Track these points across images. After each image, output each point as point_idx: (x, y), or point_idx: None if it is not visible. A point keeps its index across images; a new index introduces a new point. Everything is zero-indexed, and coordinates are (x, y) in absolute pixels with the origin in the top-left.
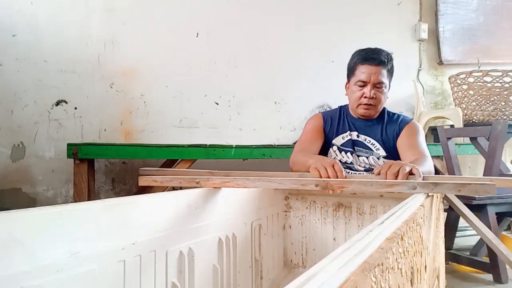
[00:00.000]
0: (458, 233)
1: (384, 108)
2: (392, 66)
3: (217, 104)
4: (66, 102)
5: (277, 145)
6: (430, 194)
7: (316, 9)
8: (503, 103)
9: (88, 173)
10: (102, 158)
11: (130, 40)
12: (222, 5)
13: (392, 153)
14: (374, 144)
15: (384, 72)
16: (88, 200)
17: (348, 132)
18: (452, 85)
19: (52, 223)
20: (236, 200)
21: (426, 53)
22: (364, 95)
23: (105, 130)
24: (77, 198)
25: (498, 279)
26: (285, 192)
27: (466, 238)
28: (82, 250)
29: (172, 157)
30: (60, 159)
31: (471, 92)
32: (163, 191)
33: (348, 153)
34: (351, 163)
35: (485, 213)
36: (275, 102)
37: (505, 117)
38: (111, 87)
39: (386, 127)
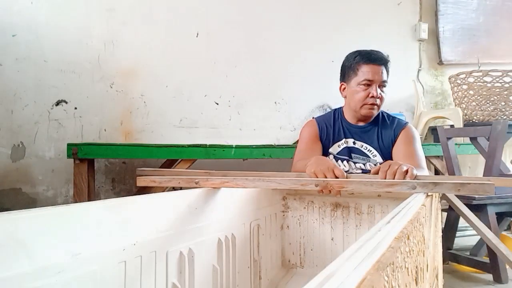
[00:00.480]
0: (458, 233)
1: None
2: (389, 68)
3: (217, 104)
4: (66, 102)
5: (277, 145)
6: (429, 194)
7: (316, 9)
8: (503, 103)
9: (88, 173)
10: (102, 158)
11: (130, 40)
12: (222, 5)
13: (389, 159)
14: (371, 151)
15: (386, 72)
16: (88, 200)
17: (344, 139)
18: (452, 85)
19: (53, 224)
20: (235, 201)
21: (426, 53)
22: (371, 95)
23: (105, 130)
24: (77, 198)
25: (498, 279)
26: (283, 192)
27: (466, 238)
28: (83, 251)
29: (172, 157)
30: (60, 159)
31: (471, 92)
32: (163, 191)
33: (344, 161)
34: (348, 171)
35: (485, 213)
36: (275, 102)
37: (505, 117)
38: (111, 87)
39: (381, 132)
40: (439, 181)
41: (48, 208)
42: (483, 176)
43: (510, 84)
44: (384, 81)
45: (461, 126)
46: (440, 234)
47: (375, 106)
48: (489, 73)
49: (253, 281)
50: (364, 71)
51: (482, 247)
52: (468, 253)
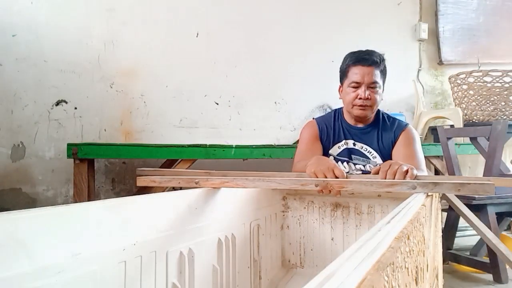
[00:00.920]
0: (458, 233)
1: (379, 111)
2: (385, 67)
3: (217, 104)
4: (66, 102)
5: (277, 145)
6: (429, 194)
7: (316, 9)
8: (503, 103)
9: (88, 173)
10: (102, 158)
11: (130, 40)
12: (222, 5)
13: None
14: (371, 152)
15: (377, 72)
16: (88, 200)
17: (344, 141)
18: (452, 85)
19: (53, 224)
20: (235, 201)
21: (426, 53)
22: (359, 96)
23: (105, 130)
24: (77, 198)
25: (498, 279)
26: (283, 192)
27: (466, 238)
28: (83, 251)
29: (172, 157)
30: (60, 159)
31: (471, 92)
32: (163, 191)
33: (344, 163)
34: (348, 172)
35: (485, 213)
36: (275, 102)
37: (505, 117)
38: (111, 87)
39: (381, 134)
40: (439, 181)
41: (48, 208)
42: (483, 176)
43: (510, 84)
44: (374, 82)
45: (461, 126)
46: (440, 234)
47: (366, 107)
48: (489, 73)
49: (253, 281)
50: (353, 73)
51: (482, 247)
52: (468, 253)
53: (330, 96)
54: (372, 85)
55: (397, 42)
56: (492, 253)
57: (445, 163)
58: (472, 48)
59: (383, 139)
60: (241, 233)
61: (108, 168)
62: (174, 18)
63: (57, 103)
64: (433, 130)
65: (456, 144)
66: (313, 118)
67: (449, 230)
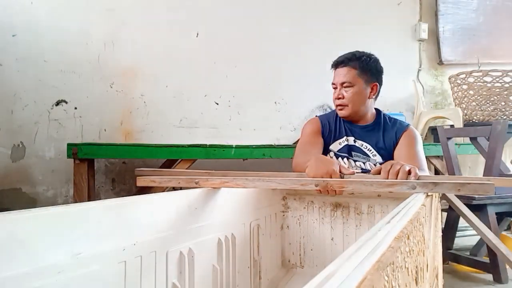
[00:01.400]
0: (458, 233)
1: (380, 112)
2: (369, 64)
3: (217, 104)
4: (66, 102)
5: (277, 145)
6: (429, 194)
7: (316, 9)
8: (503, 103)
9: (88, 173)
10: (102, 158)
11: (130, 40)
12: (222, 5)
13: (389, 160)
14: (371, 150)
15: (352, 72)
16: (88, 200)
17: (345, 137)
18: (452, 85)
19: (54, 224)
20: (235, 200)
21: (426, 53)
22: (334, 97)
23: (105, 130)
24: (77, 198)
25: (498, 279)
26: (282, 192)
27: (466, 238)
28: (83, 251)
29: (172, 157)
30: (60, 159)
31: (471, 92)
32: (163, 191)
33: (344, 159)
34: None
35: (485, 213)
36: (275, 102)
37: (505, 117)
38: (111, 87)
39: (383, 134)
40: (439, 181)
41: (48, 208)
42: (483, 176)
43: (510, 84)
44: (344, 82)
45: (461, 126)
46: (440, 234)
47: (343, 107)
48: (489, 73)
49: (253, 281)
50: (333, 76)
51: (482, 247)
52: (468, 253)
53: (330, 96)
54: (344, 85)
55: (397, 42)
56: (492, 253)
57: (445, 163)
58: (472, 48)
59: (384, 139)
60: (241, 233)
61: (108, 168)
62: (174, 18)
63: (57, 103)
64: (433, 130)
65: (456, 144)
66: (316, 116)
67: (449, 230)
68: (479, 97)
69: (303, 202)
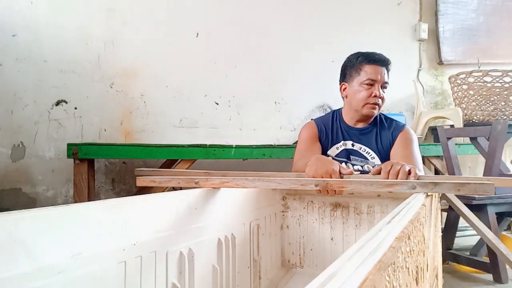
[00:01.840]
0: (458, 233)
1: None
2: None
3: (217, 104)
4: (66, 102)
5: (277, 145)
6: (429, 193)
7: (316, 9)
8: (503, 103)
9: (88, 173)
10: (102, 158)
11: (130, 40)
12: (222, 5)
13: (387, 161)
14: (369, 153)
15: (387, 73)
16: (88, 200)
17: (342, 141)
18: (452, 85)
19: (54, 224)
20: (235, 200)
21: (426, 53)
22: (373, 94)
23: (105, 130)
24: (77, 198)
25: (498, 279)
26: (282, 192)
27: (466, 238)
28: (83, 251)
29: (172, 157)
30: (60, 159)
31: (471, 92)
32: (163, 191)
33: (343, 163)
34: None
35: (485, 213)
36: (275, 102)
37: (505, 117)
38: (111, 87)
39: (380, 135)
40: (439, 181)
41: (48, 208)
42: (483, 176)
43: (510, 84)
44: (386, 82)
45: (461, 126)
46: (440, 234)
47: (377, 106)
48: (489, 73)
49: (253, 281)
50: (367, 71)
51: (482, 247)
52: (468, 253)
53: (330, 96)
54: (384, 85)
55: (397, 42)
56: (492, 253)
57: (445, 163)
58: (472, 48)
59: (381, 140)
60: (241, 233)
61: (108, 168)
62: (174, 18)
63: (57, 103)
64: (433, 130)
65: (456, 144)
66: (312, 119)
67: (449, 230)
68: (479, 97)
69: (303, 202)
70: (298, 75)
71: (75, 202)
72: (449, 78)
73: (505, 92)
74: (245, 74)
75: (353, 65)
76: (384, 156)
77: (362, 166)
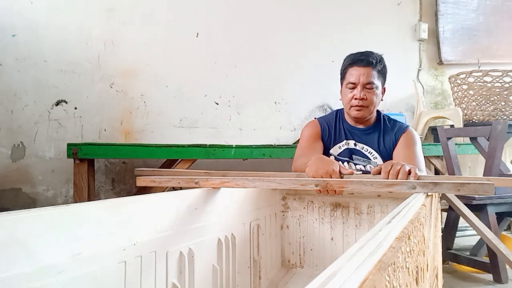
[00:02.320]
0: (458, 233)
1: (380, 113)
2: (384, 68)
3: (217, 104)
4: (66, 102)
5: (277, 145)
6: (429, 194)
7: (316, 9)
8: (503, 103)
9: (88, 173)
10: (102, 158)
11: (130, 40)
12: (222, 5)
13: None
14: (372, 153)
15: (374, 73)
16: (88, 200)
17: (345, 141)
18: (452, 85)
19: (54, 224)
20: (235, 201)
21: (426, 53)
22: (354, 97)
23: (105, 130)
24: (77, 198)
25: (498, 279)
26: (282, 192)
27: (466, 238)
28: (83, 251)
29: (172, 157)
30: (60, 159)
31: (471, 92)
32: (163, 191)
33: (345, 163)
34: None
35: (485, 213)
36: (275, 102)
37: (505, 117)
38: (111, 87)
39: (383, 135)
40: (439, 181)
41: (48, 208)
42: (483, 176)
43: (510, 84)
44: (370, 83)
45: (461, 126)
46: (440, 234)
47: (362, 108)
48: (489, 73)
49: (253, 281)
50: (349, 74)
51: (482, 247)
52: (468, 253)
53: (330, 96)
54: (367, 86)
55: (397, 42)
56: (492, 253)
57: (445, 163)
58: (472, 48)
59: (384, 141)
60: (241, 233)
61: (108, 168)
62: (174, 18)
63: (57, 103)
64: (433, 130)
65: (456, 144)
66: (315, 118)
67: (449, 230)
68: (479, 97)
69: (303, 202)
70: (298, 75)
71: (75, 202)
72: (449, 78)
73: (505, 92)
74: (245, 74)
75: (341, 68)
76: (387, 157)
77: (364, 166)
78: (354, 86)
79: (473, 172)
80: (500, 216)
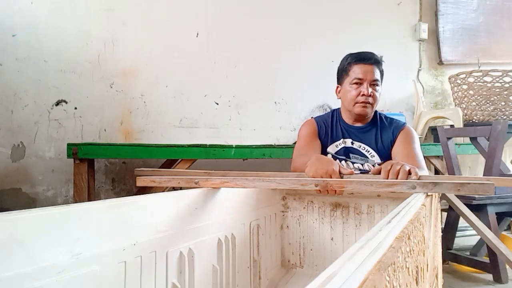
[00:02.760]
0: (458, 233)
1: (376, 111)
2: (383, 69)
3: (217, 104)
4: (66, 102)
5: (277, 145)
6: (429, 193)
7: (316, 9)
8: (503, 103)
9: (88, 173)
10: (102, 158)
11: (130, 40)
12: (222, 5)
13: (387, 160)
14: (369, 151)
15: (378, 71)
16: (88, 200)
17: (342, 139)
18: (452, 85)
19: (53, 224)
20: (235, 201)
21: (426, 53)
22: (362, 93)
23: (105, 130)
24: (77, 198)
25: (498, 279)
26: (282, 192)
27: (466, 238)
28: (83, 251)
29: (172, 157)
30: (60, 159)
31: (471, 92)
32: (163, 191)
33: (342, 161)
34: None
35: (485, 213)
36: (275, 102)
37: (505, 117)
38: (111, 87)
39: (381, 133)
40: (439, 181)
41: (48, 208)
42: (483, 176)
43: (510, 84)
44: (375, 80)
45: (461, 126)
46: (440, 234)
47: (368, 104)
48: (489, 73)
49: (253, 281)
50: (355, 71)
51: (482, 247)
52: (468, 253)
53: (330, 96)
54: (374, 83)
55: (397, 42)
56: (492, 253)
57: (445, 163)
58: (472, 48)
59: (382, 139)
60: (240, 233)
61: (108, 168)
62: (174, 18)
63: (57, 103)
64: (433, 130)
65: (456, 144)
66: (312, 117)
67: (449, 230)
68: (479, 97)
69: (303, 202)
70: (298, 75)
71: (75, 202)
72: (449, 78)
73: (505, 92)
74: (245, 74)
75: (343, 67)
76: (384, 155)
77: (362, 165)
78: (360, 82)
79: (473, 172)
80: (500, 216)
